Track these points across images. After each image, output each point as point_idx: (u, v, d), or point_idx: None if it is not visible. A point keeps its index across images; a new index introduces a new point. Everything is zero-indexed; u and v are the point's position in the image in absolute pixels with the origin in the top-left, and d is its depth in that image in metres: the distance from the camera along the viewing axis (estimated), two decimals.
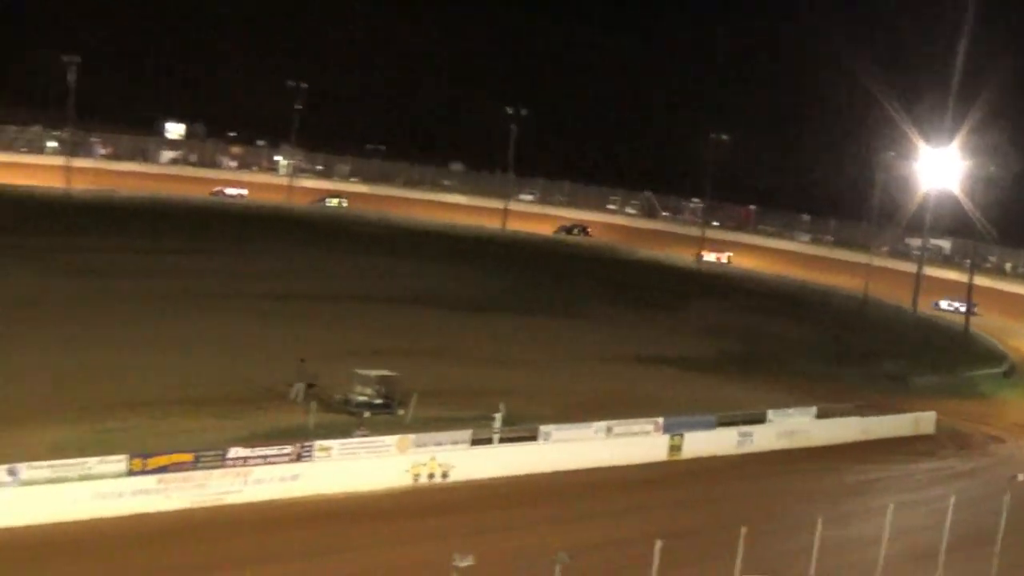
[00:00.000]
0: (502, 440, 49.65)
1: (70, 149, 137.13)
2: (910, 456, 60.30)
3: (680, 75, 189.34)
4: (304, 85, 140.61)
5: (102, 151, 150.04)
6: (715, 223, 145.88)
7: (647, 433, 54.29)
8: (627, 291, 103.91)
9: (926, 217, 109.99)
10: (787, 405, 61.83)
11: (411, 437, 47.21)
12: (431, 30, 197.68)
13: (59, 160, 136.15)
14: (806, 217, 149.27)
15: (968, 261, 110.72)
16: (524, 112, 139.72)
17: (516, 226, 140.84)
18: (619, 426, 53.55)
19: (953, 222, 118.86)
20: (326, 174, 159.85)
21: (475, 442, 48.63)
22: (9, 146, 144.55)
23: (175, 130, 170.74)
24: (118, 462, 39.58)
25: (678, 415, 56.07)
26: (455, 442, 47.97)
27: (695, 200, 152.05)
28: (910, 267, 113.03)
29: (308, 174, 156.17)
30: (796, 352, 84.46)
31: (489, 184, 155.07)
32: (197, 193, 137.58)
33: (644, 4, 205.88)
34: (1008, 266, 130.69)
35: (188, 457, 41.09)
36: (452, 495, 45.53)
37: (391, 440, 46.67)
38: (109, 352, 58.60)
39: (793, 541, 38.97)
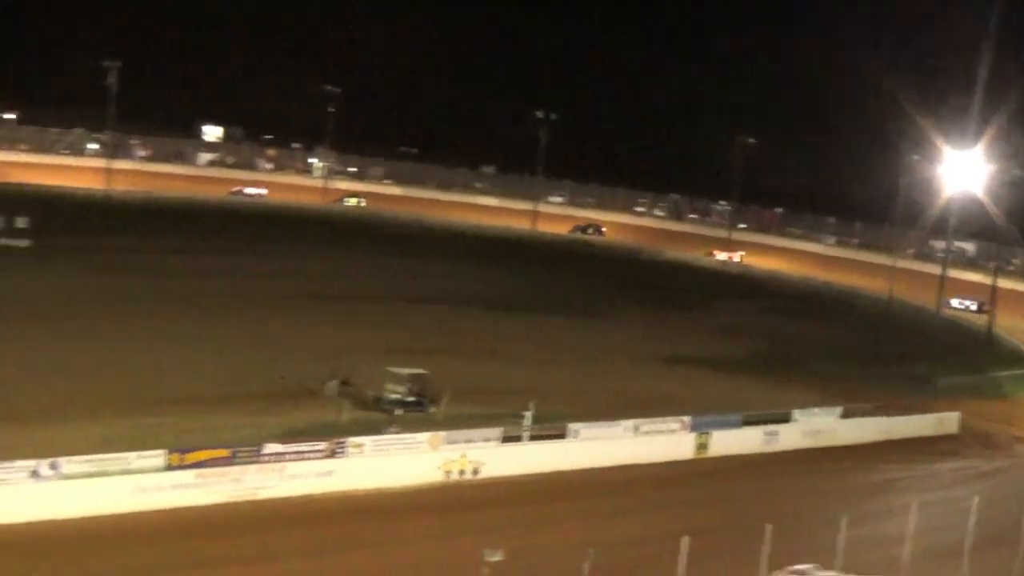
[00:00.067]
0: (532, 438, 49.61)
1: (110, 151, 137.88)
2: (934, 456, 59.96)
3: (708, 80, 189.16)
4: (338, 89, 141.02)
5: (141, 153, 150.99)
6: (742, 225, 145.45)
7: (674, 432, 54.16)
8: (655, 292, 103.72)
9: (950, 220, 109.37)
10: (812, 405, 61.59)
11: (442, 434, 47.21)
12: (464, 36, 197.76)
13: (99, 162, 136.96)
14: (831, 220, 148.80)
15: (992, 263, 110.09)
16: (554, 116, 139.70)
17: (545, 228, 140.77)
18: (647, 424, 53.43)
19: (977, 225, 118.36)
20: (359, 176, 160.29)
21: (505, 439, 48.62)
22: (51, 148, 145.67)
23: (212, 133, 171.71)
24: (157, 457, 39.78)
25: (705, 414, 55.94)
26: (486, 439, 47.97)
27: (722, 203, 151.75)
28: (934, 269, 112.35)
29: (342, 176, 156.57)
30: (821, 352, 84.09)
31: (519, 186, 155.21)
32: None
33: (673, 10, 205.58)
34: None
35: (225, 452, 41.26)
36: (482, 491, 45.53)
37: (423, 437, 46.71)
38: (147, 349, 58.92)
39: (818, 539, 38.74)
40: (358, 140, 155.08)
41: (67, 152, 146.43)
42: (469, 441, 47.43)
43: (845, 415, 60.98)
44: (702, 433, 54.58)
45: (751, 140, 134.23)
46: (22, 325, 61.11)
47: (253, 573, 34.96)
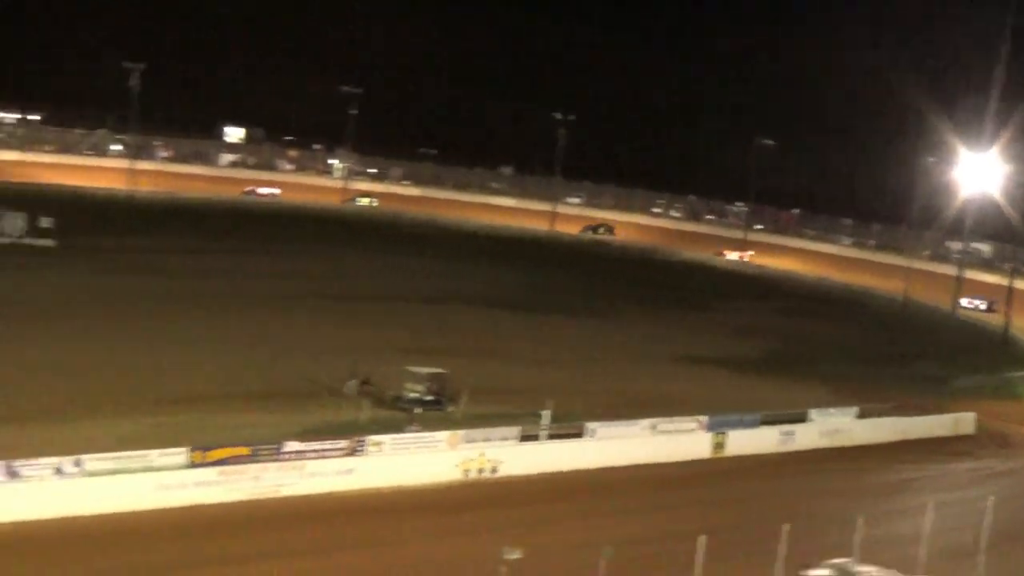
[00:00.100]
0: (550, 437, 49.65)
1: (133, 152, 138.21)
2: (950, 456, 59.80)
3: (725, 82, 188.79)
4: (358, 91, 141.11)
5: (164, 154, 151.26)
6: (758, 226, 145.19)
7: (691, 431, 54.12)
8: (670, 292, 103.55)
9: (966, 221, 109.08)
10: (828, 405, 61.48)
11: (461, 433, 47.27)
12: (482, 39, 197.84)
13: (123, 163, 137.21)
14: (847, 221, 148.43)
15: (1008, 265, 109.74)
16: (571, 117, 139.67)
17: (563, 228, 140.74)
18: (664, 424, 53.41)
19: (993, 226, 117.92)
20: (379, 177, 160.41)
21: (523, 438, 48.68)
22: (75, 149, 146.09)
23: (234, 134, 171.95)
24: (179, 455, 39.92)
25: (721, 414, 55.87)
26: (504, 438, 48.02)
27: (738, 204, 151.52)
28: (950, 270, 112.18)
29: (362, 177, 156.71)
30: (836, 353, 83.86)
31: (537, 187, 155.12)
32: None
33: (688, 13, 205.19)
34: None
35: (246, 451, 41.39)
36: (501, 490, 45.57)
37: (442, 436, 46.77)
38: (169, 348, 59.11)
39: (834, 538, 38.70)
40: (378, 142, 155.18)
41: (91, 153, 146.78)
42: (487, 440, 47.49)
43: (861, 415, 60.85)
44: (719, 433, 54.53)
45: (768, 142, 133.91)
46: (46, 324, 61.41)
47: (273, 569, 35.04)
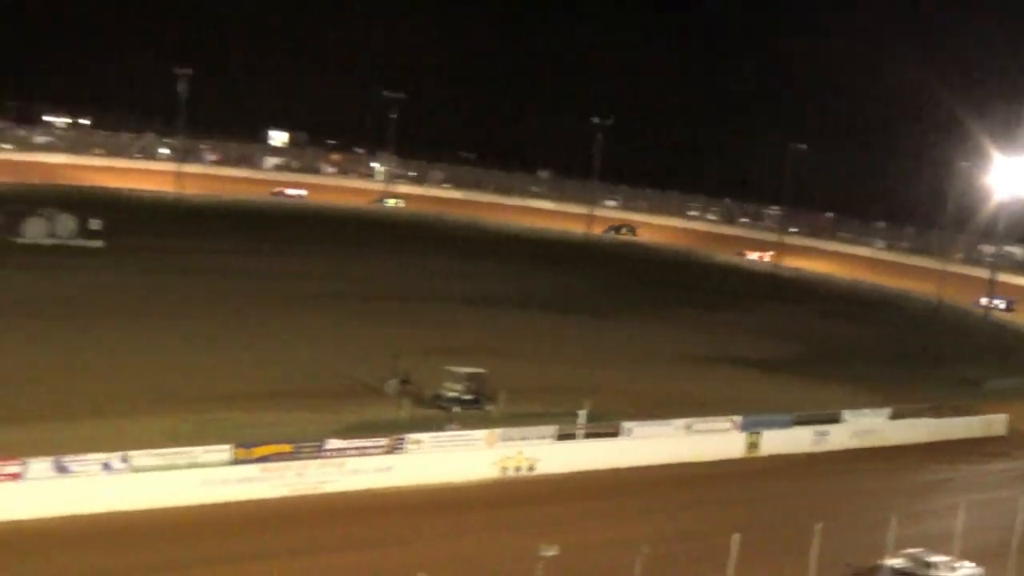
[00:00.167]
0: (586, 436, 49.53)
1: (181, 156, 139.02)
2: (981, 457, 59.33)
3: (761, 87, 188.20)
4: (400, 95, 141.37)
5: (211, 157, 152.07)
6: (793, 229, 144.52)
7: (725, 431, 53.88)
8: (706, 294, 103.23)
9: (999, 224, 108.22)
10: (861, 406, 61.09)
11: (499, 432, 47.24)
12: (523, 44, 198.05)
13: (170, 166, 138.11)
14: (881, 224, 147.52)
15: None
16: (609, 122, 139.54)
17: (600, 231, 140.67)
18: (698, 423, 53.19)
19: None
20: (420, 180, 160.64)
21: (560, 437, 48.58)
22: (124, 153, 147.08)
23: (279, 138, 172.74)
24: (223, 451, 40.08)
25: (755, 414, 55.60)
26: (541, 437, 47.95)
27: (774, 207, 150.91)
28: (983, 273, 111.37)
29: (403, 180, 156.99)
30: (869, 354, 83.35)
31: (575, 191, 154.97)
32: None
33: (727, 20, 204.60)
34: None
35: (288, 448, 41.51)
36: (537, 487, 45.53)
37: (480, 434, 46.75)
38: (214, 347, 59.49)
39: (867, 537, 38.50)
40: (419, 145, 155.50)
41: (139, 156, 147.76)
42: (525, 438, 47.43)
43: (894, 416, 60.43)
44: (753, 433, 54.27)
45: (802, 146, 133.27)
46: (94, 323, 61.92)
47: (315, 564, 35.12)
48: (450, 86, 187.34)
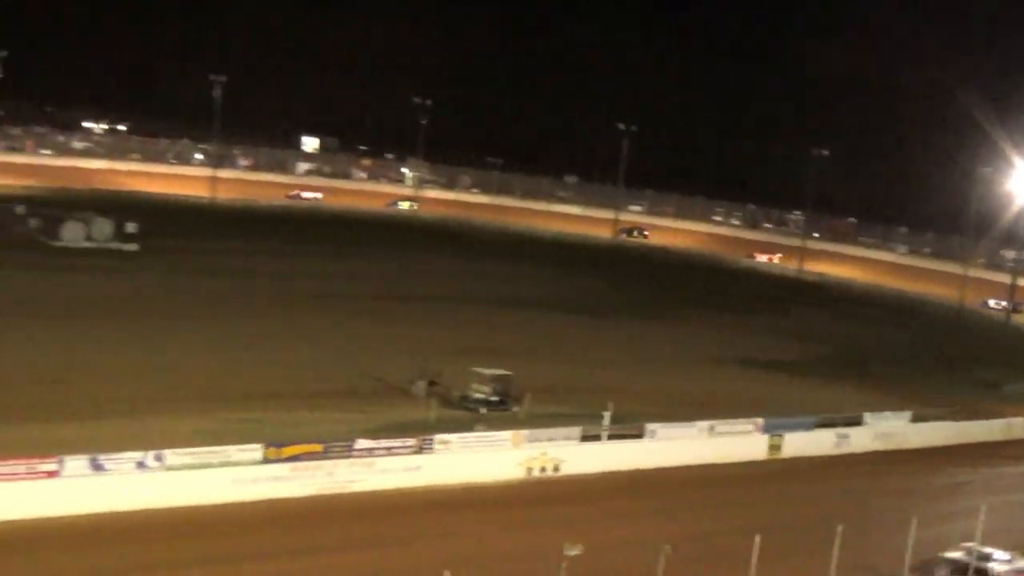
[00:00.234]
0: (610, 437, 49.40)
1: (215, 161, 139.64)
2: (1002, 460, 58.92)
3: (783, 93, 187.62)
4: (429, 102, 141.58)
5: (244, 163, 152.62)
6: (815, 234, 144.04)
7: (748, 433, 53.67)
8: (729, 297, 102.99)
9: (1021, 229, 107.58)
10: (883, 409, 60.74)
11: (525, 432, 47.20)
12: (549, 51, 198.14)
13: (205, 171, 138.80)
14: (903, 229, 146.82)
15: None
16: (635, 128, 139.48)
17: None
18: (721, 426, 53.02)
19: None
20: (448, 186, 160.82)
21: (585, 438, 48.48)
22: (160, 158, 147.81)
23: (310, 144, 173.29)
24: (254, 451, 40.17)
25: (777, 416, 55.38)
26: (566, 438, 47.87)
27: (796, 212, 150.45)
28: (1004, 278, 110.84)
29: (432, 185, 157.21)
30: (891, 357, 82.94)
31: (601, 196, 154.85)
32: (337, 203, 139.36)
33: (750, 26, 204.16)
34: None
35: (318, 447, 41.57)
36: (562, 488, 45.47)
37: (506, 435, 46.72)
38: (245, 347, 59.67)
39: (888, 539, 38.31)
40: (448, 151, 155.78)
41: (175, 161, 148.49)
42: (550, 439, 47.37)
43: (915, 419, 60.08)
44: (775, 435, 54.05)
45: (825, 152, 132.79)
46: (128, 324, 62.19)
47: (342, 561, 35.15)
48: (479, 93, 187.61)
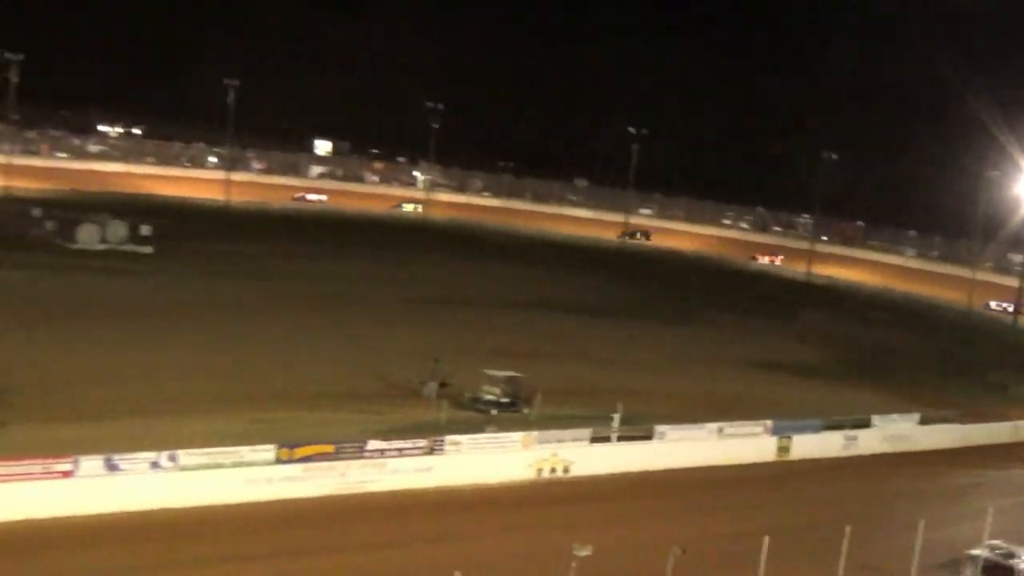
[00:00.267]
0: (620, 438, 49.37)
1: (229, 164, 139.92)
2: (1009, 462, 58.75)
3: (792, 97, 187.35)
4: (441, 106, 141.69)
5: (257, 166, 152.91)
6: (824, 238, 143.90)
7: (757, 435, 53.60)
8: (739, 300, 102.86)
9: None
10: (891, 411, 60.63)
11: (535, 434, 47.21)
12: (559, 56, 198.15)
13: (219, 174, 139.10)
14: (912, 233, 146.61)
15: None
16: (644, 132, 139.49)
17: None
18: (730, 427, 52.94)
19: None
20: (459, 189, 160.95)
21: (594, 440, 48.45)
22: (174, 161, 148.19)
23: (323, 147, 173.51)
24: (267, 451, 40.23)
25: (786, 418, 55.30)
26: (576, 439, 47.85)
27: (805, 216, 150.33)
28: (1012, 281, 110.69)
29: (444, 188, 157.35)
30: (900, 360, 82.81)
31: (611, 199, 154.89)
32: (343, 206, 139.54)
33: (758, 32, 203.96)
34: None
35: (330, 448, 41.61)
36: (572, 489, 45.45)
37: (516, 436, 46.72)
38: (258, 350, 59.70)
39: (896, 541, 38.22)
40: (459, 154, 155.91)
41: (189, 164, 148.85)
42: (560, 441, 47.36)
43: (923, 422, 59.95)
44: (784, 437, 53.97)
45: (834, 156, 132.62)
46: (142, 326, 62.28)
47: (354, 561, 35.19)
48: (490, 97, 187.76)
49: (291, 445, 40.98)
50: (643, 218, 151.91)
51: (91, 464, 36.76)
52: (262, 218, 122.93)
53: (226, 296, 74.68)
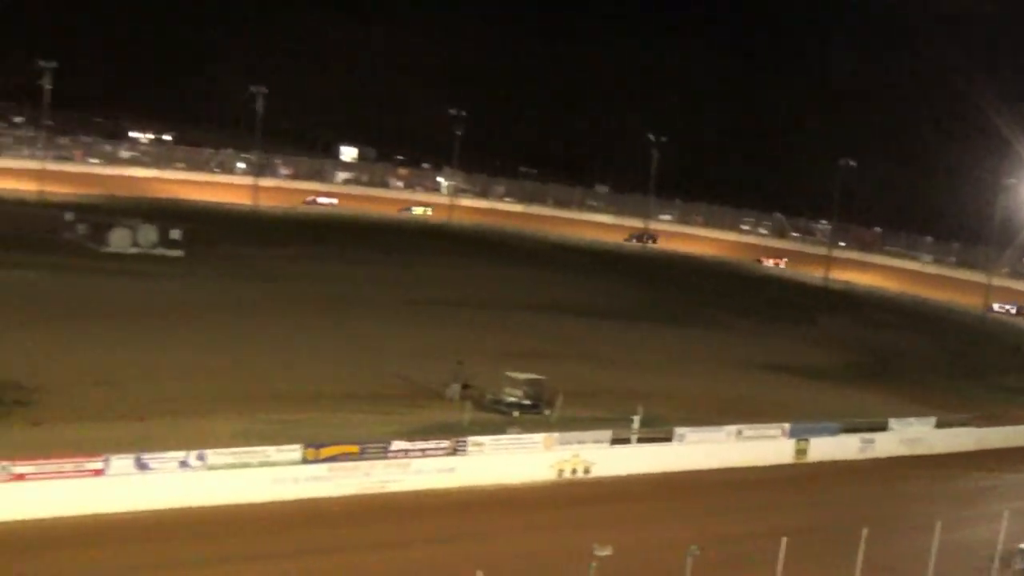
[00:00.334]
0: (640, 440, 49.27)
1: (257, 170, 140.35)
2: None
3: (812, 103, 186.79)
4: (464, 113, 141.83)
5: (284, 172, 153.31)
6: (842, 244, 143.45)
7: (775, 437, 53.39)
8: (757, 304, 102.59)
9: None
10: (908, 415, 60.35)
11: (556, 435, 47.15)
12: (583, 65, 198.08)
13: (247, 180, 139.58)
14: (928, 239, 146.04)
15: None
16: (664, 139, 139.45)
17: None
18: (749, 430, 52.75)
19: None
20: (482, 194, 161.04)
21: (615, 441, 48.35)
22: (204, 167, 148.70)
23: (348, 153, 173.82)
24: (293, 451, 40.29)
25: (804, 421, 55.10)
26: (597, 441, 47.78)
27: (823, 222, 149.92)
28: None
29: (467, 194, 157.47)
30: (917, 364, 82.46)
31: (631, 205, 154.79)
32: (369, 210, 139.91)
33: (777, 40, 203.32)
34: None
35: (355, 448, 41.63)
36: (593, 490, 45.39)
37: (538, 438, 46.67)
38: (284, 351, 59.80)
39: (912, 543, 38.04)
40: (482, 160, 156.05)
41: (218, 170, 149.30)
42: (581, 442, 47.30)
43: (939, 425, 59.63)
44: (801, 439, 53.76)
45: (852, 163, 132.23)
46: (172, 328, 62.51)
47: (378, 559, 35.21)
48: (513, 104, 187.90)
49: (316, 445, 41.03)
50: (663, 223, 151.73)
51: (122, 463, 36.89)
52: (290, 222, 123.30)
53: (254, 299, 74.85)
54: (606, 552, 29.05)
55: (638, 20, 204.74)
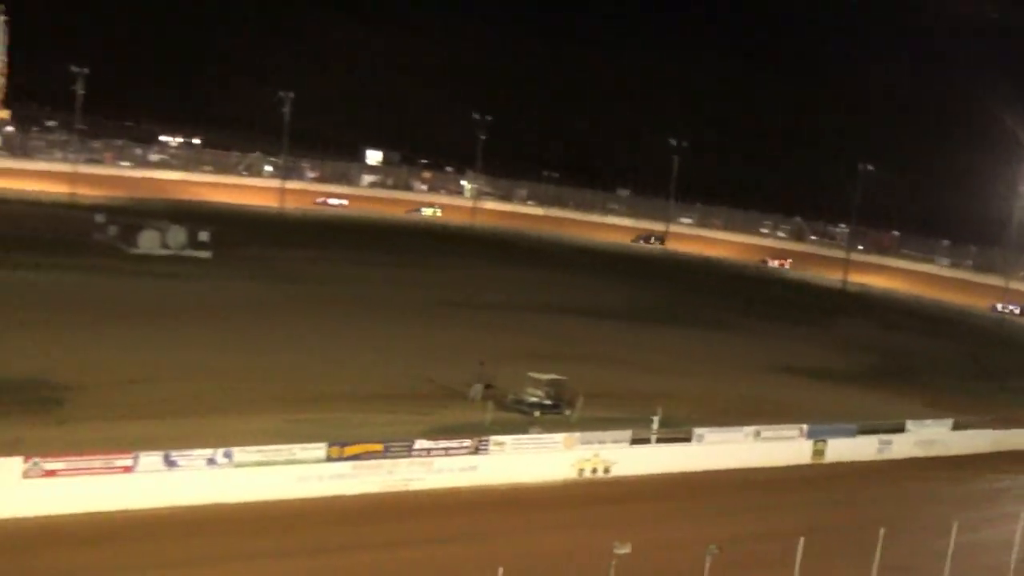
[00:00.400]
0: (659, 440, 49.14)
1: (284, 173, 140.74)
2: None
3: (831, 107, 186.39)
4: (488, 117, 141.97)
5: (311, 175, 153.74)
6: (860, 247, 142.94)
7: (792, 438, 53.18)
8: (775, 307, 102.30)
9: None
10: (924, 417, 60.07)
11: (577, 435, 47.09)
12: (604, 70, 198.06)
13: (274, 183, 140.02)
14: (945, 242, 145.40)
15: None
16: (685, 144, 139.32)
17: (674, 247, 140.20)
18: (767, 431, 52.56)
19: None
20: (505, 198, 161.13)
21: (635, 441, 48.25)
22: (232, 170, 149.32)
23: (374, 157, 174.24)
24: (318, 449, 40.33)
25: (821, 422, 54.89)
26: (616, 441, 47.69)
27: (841, 225, 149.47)
28: None
29: (490, 197, 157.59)
30: (934, 367, 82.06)
31: (652, 208, 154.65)
32: (393, 213, 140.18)
33: (802, 46, 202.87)
34: None
35: (379, 447, 41.66)
36: (613, 489, 45.30)
37: (559, 438, 46.62)
38: (310, 351, 59.93)
39: (928, 543, 37.87)
40: (505, 164, 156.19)
41: (246, 173, 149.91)
42: (601, 442, 47.21)
43: (956, 427, 59.31)
44: (819, 440, 53.55)
45: (870, 167, 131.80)
46: (200, 328, 62.75)
47: (400, 556, 35.19)
48: (536, 109, 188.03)
49: (341, 444, 41.07)
50: (682, 226, 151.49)
51: (150, 460, 37.01)
52: (316, 225, 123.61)
53: (280, 300, 75.06)
54: (625, 550, 29.00)
55: (663, 27, 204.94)
